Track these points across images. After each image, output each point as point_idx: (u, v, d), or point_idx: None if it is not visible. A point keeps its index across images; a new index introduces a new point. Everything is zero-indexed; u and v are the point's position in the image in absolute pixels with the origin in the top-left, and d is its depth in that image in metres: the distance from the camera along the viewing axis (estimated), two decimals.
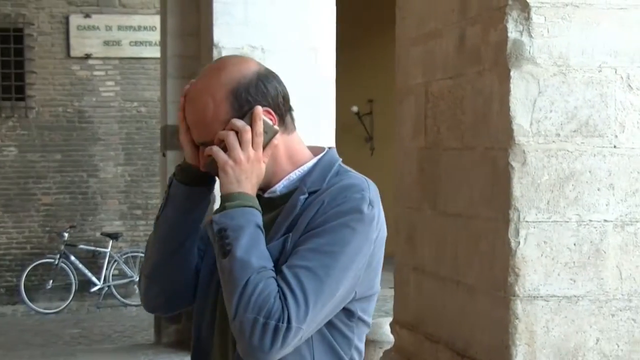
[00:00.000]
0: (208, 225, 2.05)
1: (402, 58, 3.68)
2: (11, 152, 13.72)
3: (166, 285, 2.20)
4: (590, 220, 2.77)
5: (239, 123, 2.05)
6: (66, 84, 13.75)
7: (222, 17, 8.42)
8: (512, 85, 2.74)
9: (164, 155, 9.54)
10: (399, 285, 3.76)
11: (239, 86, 2.07)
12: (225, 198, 2.04)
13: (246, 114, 2.07)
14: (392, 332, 3.86)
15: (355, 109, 17.68)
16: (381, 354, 4.11)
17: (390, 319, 4.02)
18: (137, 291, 13.38)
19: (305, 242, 2.00)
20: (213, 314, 2.16)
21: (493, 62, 2.85)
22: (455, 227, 3.14)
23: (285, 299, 1.93)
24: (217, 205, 2.09)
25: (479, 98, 2.95)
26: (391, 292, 3.83)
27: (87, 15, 13.72)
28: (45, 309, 12.94)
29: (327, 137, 8.70)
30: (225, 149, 2.05)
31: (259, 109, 2.07)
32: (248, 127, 2.05)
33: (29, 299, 12.91)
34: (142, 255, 13.40)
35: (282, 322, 1.92)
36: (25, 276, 12.99)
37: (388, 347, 4.13)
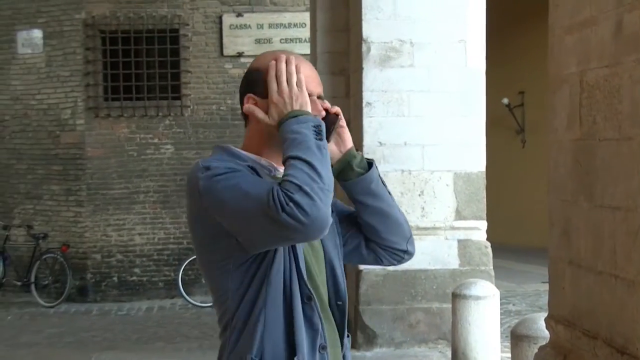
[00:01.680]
0: (366, 172, 2.65)
1: (556, 47, 3.59)
2: (168, 150, 14.16)
3: None
4: None
5: None
6: (219, 82, 14.09)
7: (371, 11, 8.44)
8: None
9: None
10: (553, 279, 3.68)
11: None
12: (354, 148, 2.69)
13: None
14: (547, 327, 3.79)
15: (505, 101, 17.43)
16: (536, 350, 4.03)
17: (544, 314, 3.94)
18: None
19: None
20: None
21: None
22: (613, 220, 3.05)
23: None
24: None
25: (637, 87, 2.85)
26: (545, 287, 3.76)
27: (239, 14, 14.02)
28: (201, 302, 13.28)
29: (477, 130, 8.61)
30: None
31: None
32: None
33: (186, 292, 13.26)
34: None
35: None
36: (182, 270, 13.36)
37: (543, 342, 4.06)
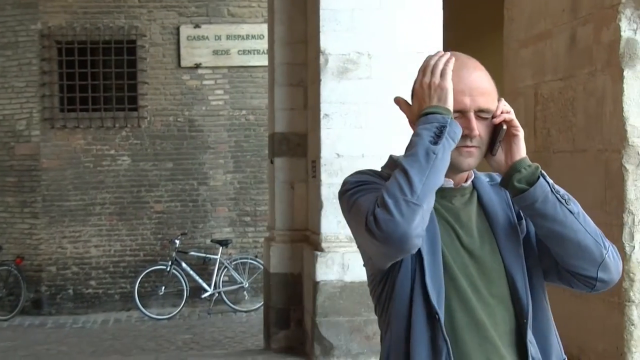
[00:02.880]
0: (538, 185, 2.30)
1: (511, 60, 3.62)
2: (125, 162, 14.05)
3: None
4: None
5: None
6: (177, 93, 14.02)
7: (329, 24, 8.46)
8: (625, 86, 2.67)
9: (272, 162, 9.62)
10: None
11: None
12: (527, 160, 2.33)
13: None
14: None
15: None
16: None
17: None
18: (246, 297, 13.56)
19: None
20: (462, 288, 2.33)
21: (605, 62, 2.78)
22: None
23: None
24: None
25: (591, 99, 2.88)
26: None
27: (197, 26, 13.98)
28: (158, 314, 13.20)
29: None
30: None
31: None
32: None
33: (142, 305, 13.16)
34: (252, 262, 13.55)
35: None
36: (139, 283, 13.26)
37: None
